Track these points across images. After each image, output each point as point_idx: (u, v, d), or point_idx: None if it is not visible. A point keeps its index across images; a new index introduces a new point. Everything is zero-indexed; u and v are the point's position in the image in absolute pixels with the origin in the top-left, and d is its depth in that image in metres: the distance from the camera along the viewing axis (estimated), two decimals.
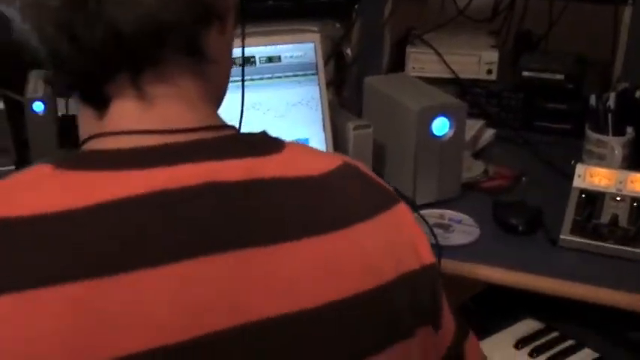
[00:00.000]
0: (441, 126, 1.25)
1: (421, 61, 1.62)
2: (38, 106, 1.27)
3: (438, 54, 1.60)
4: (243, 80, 0.80)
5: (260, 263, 0.54)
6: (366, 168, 0.66)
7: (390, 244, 0.61)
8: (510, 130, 1.57)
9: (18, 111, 1.52)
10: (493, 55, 1.61)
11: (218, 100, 0.63)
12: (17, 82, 1.57)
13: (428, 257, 0.63)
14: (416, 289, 0.61)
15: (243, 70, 0.80)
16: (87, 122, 0.59)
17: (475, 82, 1.60)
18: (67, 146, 1.34)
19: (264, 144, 0.60)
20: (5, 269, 0.49)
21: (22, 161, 1.34)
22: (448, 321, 0.67)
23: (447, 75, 1.61)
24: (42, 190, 0.53)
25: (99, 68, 0.56)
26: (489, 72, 1.61)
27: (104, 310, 0.49)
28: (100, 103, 0.57)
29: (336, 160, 0.63)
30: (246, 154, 0.58)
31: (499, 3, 1.85)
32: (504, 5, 1.85)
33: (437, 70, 1.61)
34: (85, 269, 0.49)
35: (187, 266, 0.52)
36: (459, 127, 1.26)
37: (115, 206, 0.52)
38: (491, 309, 1.19)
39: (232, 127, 0.61)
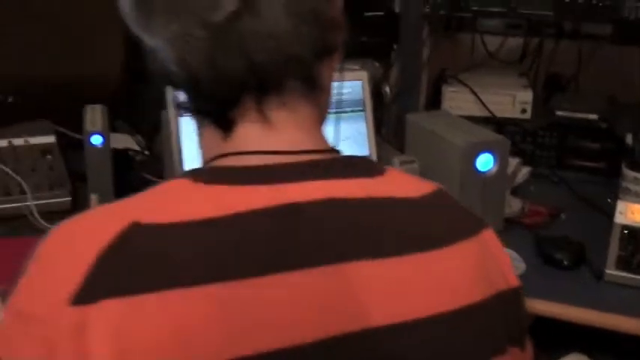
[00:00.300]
0: (485, 162, 1.29)
1: (457, 100, 1.67)
2: (96, 139, 1.32)
3: (474, 93, 1.65)
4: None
5: (378, 274, 0.59)
6: None
7: (482, 265, 0.65)
8: (545, 168, 1.61)
9: (69, 145, 1.58)
10: (527, 95, 1.66)
11: (323, 125, 0.68)
12: (68, 118, 1.64)
13: (514, 280, 0.67)
14: (506, 310, 0.65)
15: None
16: (211, 143, 0.65)
17: (510, 121, 1.65)
18: (120, 177, 1.38)
19: (369, 166, 0.65)
20: (159, 269, 0.54)
21: (77, 193, 1.38)
22: (529, 344, 0.70)
23: (482, 114, 1.65)
24: (186, 201, 0.58)
25: (231, 93, 0.61)
26: (524, 111, 1.65)
27: (244, 309, 0.54)
28: (227, 126, 0.63)
29: (431, 185, 0.68)
30: (358, 174, 0.63)
31: (527, 45, 1.91)
32: (532, 48, 1.90)
33: (472, 109, 1.66)
34: (228, 272, 0.55)
35: (315, 273, 0.57)
36: (502, 163, 1.30)
37: (250, 216, 0.57)
38: (538, 343, 1.21)
39: (338, 151, 0.66)
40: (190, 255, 0.55)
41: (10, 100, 1.54)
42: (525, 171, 1.59)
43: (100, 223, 0.58)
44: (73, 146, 1.61)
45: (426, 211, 0.65)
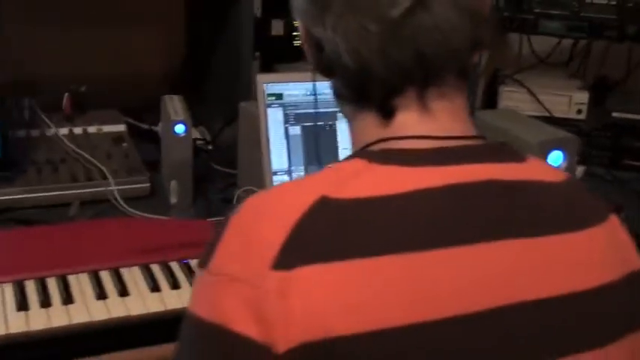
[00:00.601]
0: (556, 158, 1.33)
1: (514, 100, 1.71)
2: (180, 128, 1.36)
3: (532, 94, 1.69)
4: None
5: (532, 252, 0.64)
6: None
7: (616, 246, 0.70)
8: (599, 168, 1.66)
9: (137, 135, 1.63)
10: (583, 96, 1.70)
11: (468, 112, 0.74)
12: (131, 109, 1.69)
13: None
14: (636, 289, 0.69)
15: None
16: (367, 128, 0.70)
17: (566, 121, 1.69)
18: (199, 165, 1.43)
19: (514, 152, 0.70)
20: (348, 240, 0.59)
21: (153, 179, 1.42)
22: None
23: (538, 113, 1.69)
24: (366, 179, 0.63)
25: (397, 82, 0.66)
26: (579, 112, 1.70)
27: (423, 279, 0.59)
28: (388, 113, 0.68)
29: (564, 172, 0.73)
30: (508, 159, 0.68)
31: (575, 47, 1.95)
32: (580, 49, 1.95)
33: (528, 109, 1.70)
34: (414, 243, 0.60)
35: (483, 248, 0.62)
36: (571, 160, 1.34)
37: (423, 194, 0.62)
38: None
39: (484, 137, 0.71)
40: (376, 227, 0.60)
41: (82, 89, 1.58)
42: (580, 170, 1.63)
43: (292, 197, 0.63)
44: (139, 135, 1.66)
45: (569, 194, 0.69)
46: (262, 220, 0.62)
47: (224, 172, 1.54)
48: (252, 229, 0.62)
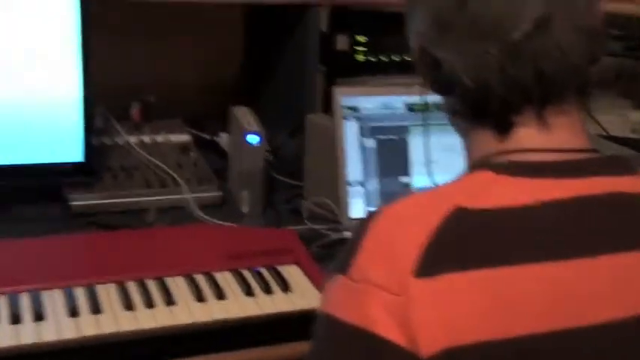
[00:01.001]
0: None
1: None
2: (253, 139, 1.39)
3: (588, 112, 1.72)
4: None
5: None
6: None
7: None
8: None
9: (199, 145, 1.66)
10: (639, 115, 1.73)
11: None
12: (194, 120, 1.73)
13: None
14: None
15: None
16: (486, 143, 0.73)
17: (621, 140, 1.72)
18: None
19: (628, 164, 0.73)
20: (486, 248, 0.63)
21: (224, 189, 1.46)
22: None
23: (592, 131, 1.72)
24: (497, 190, 0.66)
25: (516, 100, 0.69)
26: (634, 131, 1.73)
27: (558, 287, 0.63)
28: (505, 129, 0.71)
29: None
30: (624, 172, 0.71)
31: (621, 67, 1.98)
32: (628, 69, 1.98)
33: None
34: (543, 253, 0.63)
35: (613, 258, 0.65)
36: None
37: (553, 205, 0.66)
38: None
39: (597, 150, 0.73)
40: (510, 237, 0.63)
41: (152, 99, 1.62)
42: None
43: (427, 207, 0.66)
44: (201, 145, 1.69)
45: None
46: (402, 229, 0.66)
47: (287, 182, 1.57)
48: (393, 237, 0.65)
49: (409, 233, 0.64)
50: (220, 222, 1.35)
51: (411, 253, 0.63)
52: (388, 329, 0.62)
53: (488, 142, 0.72)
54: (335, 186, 1.29)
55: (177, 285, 1.07)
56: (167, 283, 1.08)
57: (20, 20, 1.24)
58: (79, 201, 1.34)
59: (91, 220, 1.33)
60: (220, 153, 1.61)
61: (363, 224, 0.68)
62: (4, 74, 1.25)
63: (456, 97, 0.73)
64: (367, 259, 0.65)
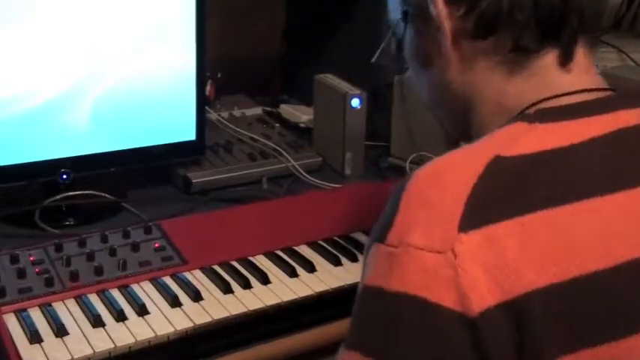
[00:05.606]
0: None
1: (605, 60, 1.85)
2: (355, 102, 1.43)
3: (626, 54, 1.83)
4: None
5: None
6: None
7: None
8: None
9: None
10: None
11: None
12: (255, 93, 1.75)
13: None
14: None
15: None
16: (523, 93, 0.72)
17: None
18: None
19: None
20: (531, 192, 0.62)
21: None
22: None
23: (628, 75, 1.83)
24: (532, 137, 0.66)
25: (552, 27, 0.69)
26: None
27: (612, 221, 0.63)
28: (570, 50, 0.71)
29: None
30: None
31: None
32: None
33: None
34: (590, 190, 0.63)
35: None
36: None
37: (590, 143, 0.66)
38: None
39: (613, 89, 0.74)
40: (554, 178, 0.63)
41: (219, 75, 1.63)
42: None
43: (464, 162, 0.65)
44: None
45: None
46: (440, 185, 0.62)
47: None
48: (433, 195, 0.62)
49: (448, 188, 0.62)
50: (331, 184, 1.39)
51: (453, 207, 0.60)
52: (436, 293, 0.59)
53: (518, 93, 0.71)
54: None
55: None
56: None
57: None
58: (197, 179, 1.35)
59: (210, 197, 1.34)
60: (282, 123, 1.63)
61: (398, 189, 0.64)
62: (133, 50, 1.24)
63: (504, 30, 0.69)
64: (405, 222, 0.62)
